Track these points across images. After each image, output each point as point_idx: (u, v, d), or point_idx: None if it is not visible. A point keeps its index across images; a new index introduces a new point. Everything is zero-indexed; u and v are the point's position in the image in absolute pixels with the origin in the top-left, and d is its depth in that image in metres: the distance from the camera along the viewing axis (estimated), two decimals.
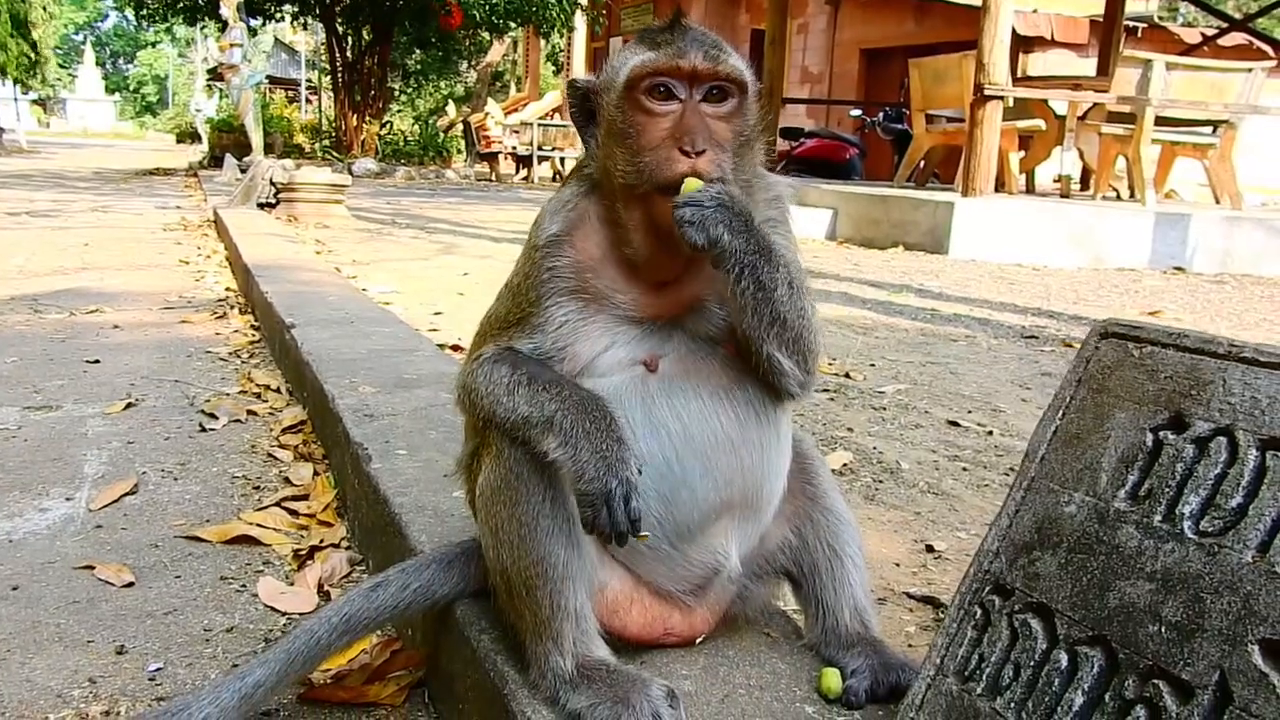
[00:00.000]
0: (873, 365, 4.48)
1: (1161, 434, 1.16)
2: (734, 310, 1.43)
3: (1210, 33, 17.47)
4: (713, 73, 1.41)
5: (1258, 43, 16.58)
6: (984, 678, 1.22)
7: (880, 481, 2.91)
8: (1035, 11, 17.03)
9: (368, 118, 22.11)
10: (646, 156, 1.40)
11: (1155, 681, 1.05)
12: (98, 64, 75.74)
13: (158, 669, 1.90)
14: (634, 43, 1.49)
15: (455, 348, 4.30)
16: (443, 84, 42.64)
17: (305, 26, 30.31)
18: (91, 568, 2.31)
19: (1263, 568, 1.01)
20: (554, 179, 21.40)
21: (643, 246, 1.46)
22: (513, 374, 1.43)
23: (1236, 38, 16.67)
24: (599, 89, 1.49)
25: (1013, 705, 1.17)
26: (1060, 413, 1.28)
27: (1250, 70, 9.94)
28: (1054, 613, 1.18)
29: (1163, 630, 1.06)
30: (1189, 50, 15.61)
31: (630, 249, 1.46)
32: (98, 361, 4.33)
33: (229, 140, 20.05)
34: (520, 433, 1.40)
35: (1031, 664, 1.17)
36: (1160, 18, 21.90)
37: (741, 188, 1.44)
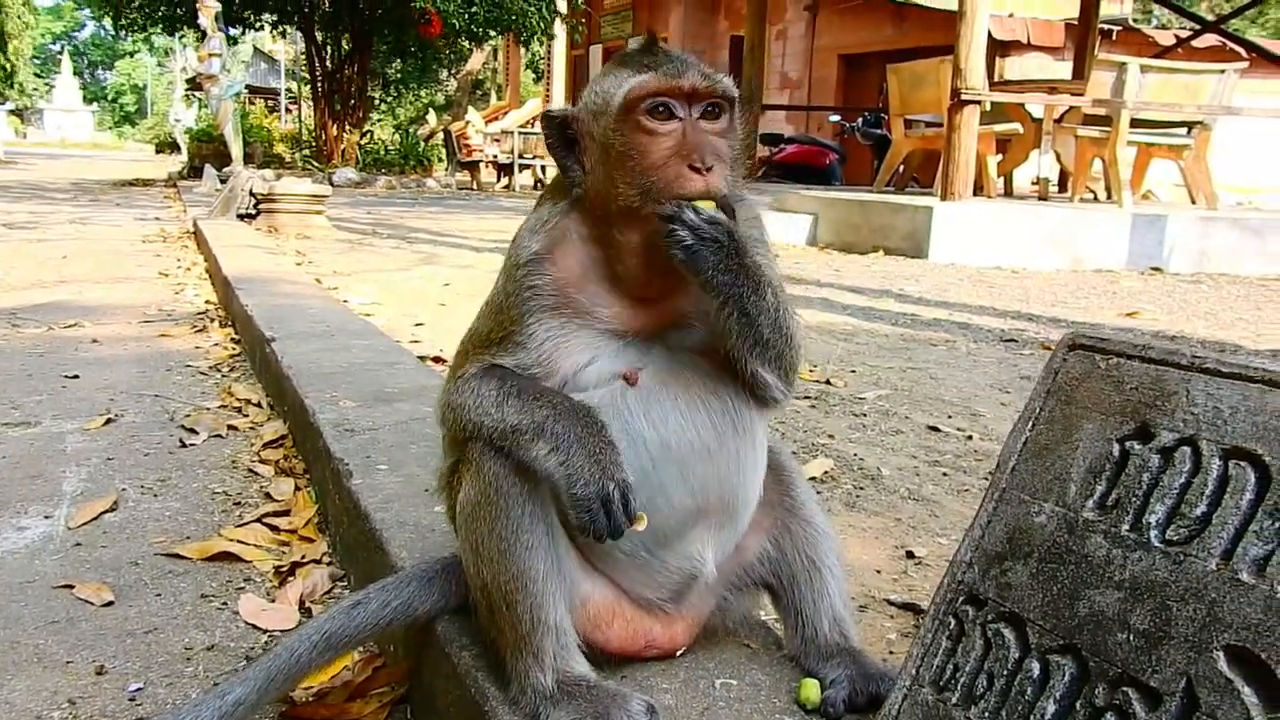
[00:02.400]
0: (853, 371, 4.50)
1: (1128, 444, 1.18)
2: (719, 330, 1.44)
3: (1184, 35, 17.66)
4: (710, 90, 1.42)
5: (1230, 44, 16.76)
6: (959, 687, 1.23)
7: (861, 488, 2.93)
8: (1011, 16, 17.20)
9: (348, 127, 22.07)
10: (654, 175, 1.40)
11: (1124, 689, 1.07)
12: (75, 74, 75.21)
13: (138, 689, 1.89)
14: (614, 67, 1.48)
15: (437, 359, 4.29)
16: (423, 93, 42.64)
17: (284, 35, 30.19)
18: (71, 587, 2.29)
19: (1226, 575, 1.03)
20: (535, 187, 21.38)
21: (636, 267, 1.46)
22: (501, 386, 1.44)
23: (1209, 39, 16.87)
24: (581, 116, 1.49)
25: (987, 714, 1.18)
26: (1030, 424, 1.30)
27: (1223, 72, 10.06)
28: (1026, 622, 1.19)
29: (1131, 638, 1.08)
30: (1163, 53, 15.78)
31: (622, 267, 1.47)
32: (76, 376, 4.30)
33: (208, 150, 19.99)
34: (510, 442, 1.41)
35: (1004, 673, 1.19)
36: (1135, 20, 22.14)
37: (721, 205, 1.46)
